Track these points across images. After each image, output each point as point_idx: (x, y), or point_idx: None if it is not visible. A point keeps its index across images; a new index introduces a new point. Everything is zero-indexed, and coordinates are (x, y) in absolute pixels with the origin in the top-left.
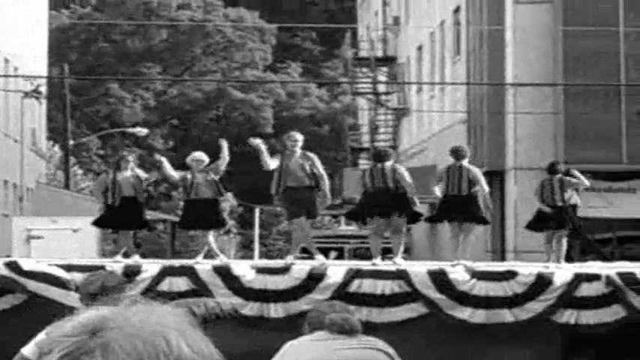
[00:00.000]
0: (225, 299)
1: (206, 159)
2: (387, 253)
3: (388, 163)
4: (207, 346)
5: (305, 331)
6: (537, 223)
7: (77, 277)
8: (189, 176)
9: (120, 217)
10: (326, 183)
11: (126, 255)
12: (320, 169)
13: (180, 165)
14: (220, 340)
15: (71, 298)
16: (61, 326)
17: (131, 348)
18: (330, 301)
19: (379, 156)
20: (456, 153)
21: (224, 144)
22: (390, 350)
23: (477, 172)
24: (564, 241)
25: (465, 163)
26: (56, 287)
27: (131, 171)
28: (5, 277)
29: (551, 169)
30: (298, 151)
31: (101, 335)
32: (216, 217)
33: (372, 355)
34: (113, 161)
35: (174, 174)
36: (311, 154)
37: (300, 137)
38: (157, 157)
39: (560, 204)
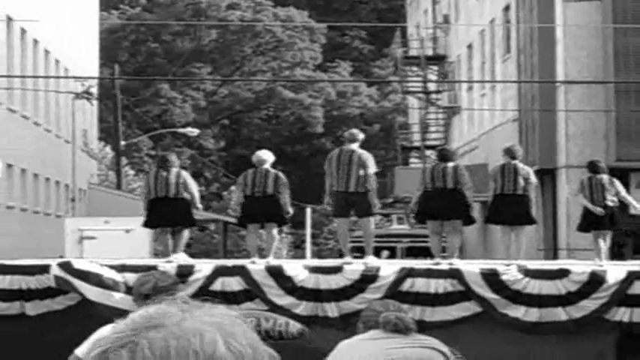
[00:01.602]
0: (294, 322)
1: (270, 156)
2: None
3: (451, 163)
4: (255, 349)
5: (359, 330)
6: (586, 224)
7: (129, 277)
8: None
9: (166, 216)
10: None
11: (163, 255)
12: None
13: (232, 164)
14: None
15: (120, 300)
16: (112, 327)
17: (161, 346)
18: (383, 300)
19: (445, 156)
20: (510, 152)
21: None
22: (445, 349)
23: (530, 172)
24: (609, 240)
25: (519, 162)
26: (105, 289)
27: (176, 173)
28: (59, 278)
29: (595, 168)
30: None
31: (139, 334)
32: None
33: (428, 353)
34: (156, 160)
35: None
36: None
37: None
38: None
39: (610, 203)
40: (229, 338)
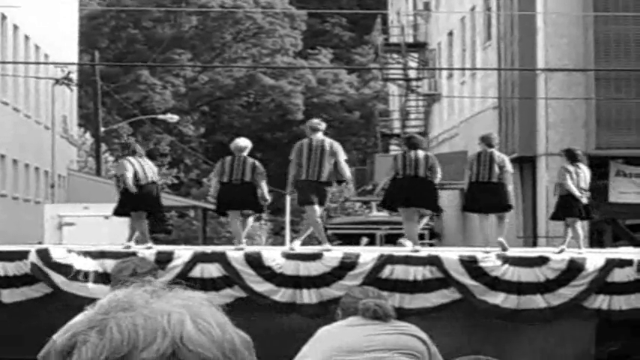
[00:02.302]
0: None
1: (248, 144)
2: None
3: (422, 152)
4: (224, 329)
5: (338, 316)
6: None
7: (109, 263)
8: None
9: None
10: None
11: (137, 242)
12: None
13: (211, 150)
14: (253, 326)
15: (93, 289)
16: (83, 313)
17: (129, 326)
18: (362, 287)
19: (415, 144)
20: (486, 140)
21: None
22: (424, 335)
23: (505, 159)
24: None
25: (495, 150)
26: (76, 281)
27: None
28: (35, 266)
29: (575, 157)
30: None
31: (108, 316)
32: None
33: (406, 340)
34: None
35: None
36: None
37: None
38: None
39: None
40: (198, 319)
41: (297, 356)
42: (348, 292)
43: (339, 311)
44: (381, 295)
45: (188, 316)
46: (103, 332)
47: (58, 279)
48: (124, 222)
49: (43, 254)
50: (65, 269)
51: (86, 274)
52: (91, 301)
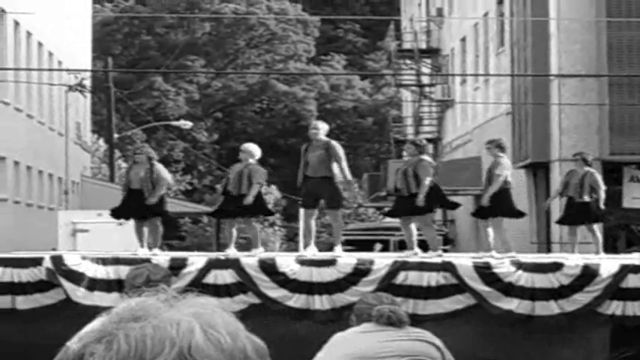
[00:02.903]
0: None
1: (257, 150)
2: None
3: (421, 157)
4: (236, 338)
5: (352, 323)
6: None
7: (122, 270)
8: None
9: (130, 209)
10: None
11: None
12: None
13: (225, 157)
14: (266, 332)
15: (103, 298)
16: (97, 320)
17: (137, 336)
18: (376, 293)
19: (418, 148)
20: (500, 146)
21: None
22: (438, 342)
23: (498, 165)
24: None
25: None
26: (91, 292)
27: (146, 166)
28: (51, 271)
29: (587, 162)
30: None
31: (119, 326)
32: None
33: (420, 346)
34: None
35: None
36: (333, 143)
37: (316, 124)
38: None
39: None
40: (208, 328)
41: None
42: (362, 298)
43: (353, 317)
44: (395, 302)
45: (198, 325)
46: (111, 343)
47: (70, 287)
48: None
49: (57, 261)
50: (77, 277)
51: (99, 282)
52: (104, 309)
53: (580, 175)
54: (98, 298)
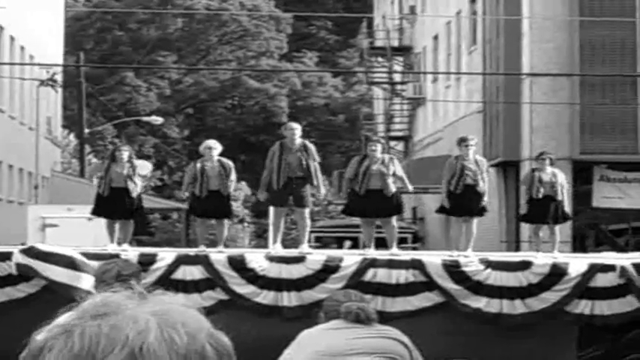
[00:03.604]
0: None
1: (219, 147)
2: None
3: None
4: (194, 338)
5: (320, 320)
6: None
7: (92, 265)
8: (198, 165)
9: (110, 207)
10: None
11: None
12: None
13: (196, 153)
14: (234, 328)
15: (85, 281)
16: (67, 314)
17: (92, 335)
18: (345, 290)
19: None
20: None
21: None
22: (406, 339)
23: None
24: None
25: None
26: (70, 270)
27: (127, 163)
28: (21, 265)
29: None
30: (297, 141)
31: (81, 322)
32: (223, 208)
33: (388, 344)
34: (109, 152)
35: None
36: (310, 145)
37: (297, 127)
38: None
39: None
40: (166, 327)
41: (279, 359)
42: (331, 295)
43: (322, 314)
44: (364, 299)
45: (156, 324)
46: (68, 339)
47: (50, 270)
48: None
49: (29, 251)
50: (56, 259)
51: (78, 265)
52: (85, 294)
53: (549, 175)
54: (78, 279)
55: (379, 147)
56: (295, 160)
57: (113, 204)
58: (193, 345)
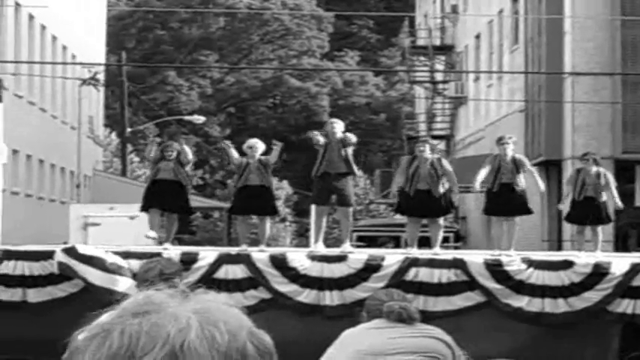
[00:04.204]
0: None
1: (262, 146)
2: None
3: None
4: (235, 337)
5: (363, 319)
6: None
7: (134, 264)
8: (244, 161)
9: (160, 199)
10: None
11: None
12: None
13: (237, 152)
14: (276, 327)
15: (124, 285)
16: (108, 313)
17: (132, 333)
18: (388, 289)
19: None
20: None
21: (276, 147)
22: (448, 338)
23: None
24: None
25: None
26: (110, 274)
27: (175, 158)
28: (63, 264)
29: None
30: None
31: (120, 320)
32: (267, 204)
33: (431, 343)
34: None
35: (236, 157)
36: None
37: (337, 120)
38: (224, 143)
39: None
40: (207, 325)
41: (321, 358)
42: (373, 294)
43: (364, 313)
44: (406, 298)
45: (197, 322)
46: (105, 338)
47: (90, 272)
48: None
49: (70, 251)
50: (96, 262)
51: (118, 269)
52: (123, 297)
53: (594, 175)
54: (118, 285)
55: (427, 147)
56: (336, 155)
57: (162, 196)
58: (234, 343)
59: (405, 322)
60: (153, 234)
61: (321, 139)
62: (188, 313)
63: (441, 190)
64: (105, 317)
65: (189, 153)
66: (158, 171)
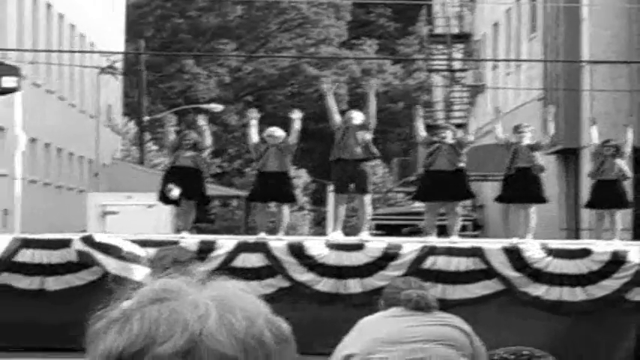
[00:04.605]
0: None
1: (280, 133)
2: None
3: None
4: (253, 323)
5: (380, 307)
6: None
7: (152, 252)
8: (262, 149)
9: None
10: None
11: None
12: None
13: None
14: (295, 315)
15: (142, 274)
16: (126, 301)
17: (151, 319)
18: (405, 277)
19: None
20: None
21: (296, 116)
22: (466, 327)
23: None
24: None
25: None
26: (127, 263)
27: (193, 146)
28: (81, 252)
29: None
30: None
31: (138, 306)
32: (286, 191)
33: (448, 331)
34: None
35: (255, 137)
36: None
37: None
38: (251, 113)
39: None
40: (225, 312)
41: (338, 346)
42: (391, 282)
43: (382, 301)
44: (423, 286)
45: (215, 308)
46: (125, 324)
47: (107, 261)
48: (166, 211)
49: (88, 240)
50: (114, 251)
51: (135, 258)
52: (137, 285)
53: (610, 161)
54: (135, 274)
55: (449, 133)
56: (353, 140)
57: (179, 183)
58: (252, 329)
59: (423, 310)
60: (174, 190)
61: (327, 87)
62: (206, 300)
63: (461, 166)
64: (123, 304)
65: (208, 137)
66: (176, 158)
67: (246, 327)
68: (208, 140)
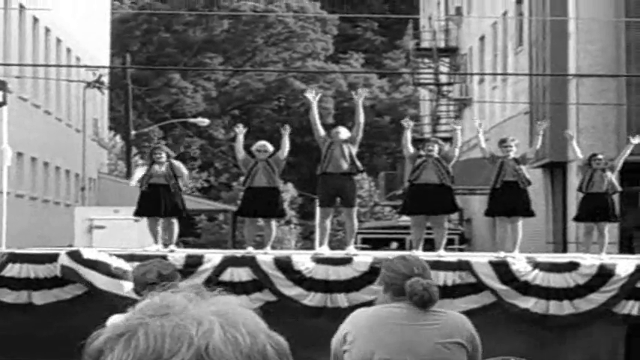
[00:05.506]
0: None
1: (270, 148)
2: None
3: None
4: (256, 338)
5: (380, 296)
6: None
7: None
8: (251, 163)
9: (153, 205)
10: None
11: (165, 245)
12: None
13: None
14: (282, 330)
15: (129, 290)
16: (123, 316)
17: (156, 335)
18: (404, 257)
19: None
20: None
21: (285, 131)
22: (469, 323)
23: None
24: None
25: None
26: (114, 279)
27: (165, 163)
28: (66, 267)
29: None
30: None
31: (142, 322)
32: (275, 206)
33: (451, 330)
34: (149, 152)
35: (242, 152)
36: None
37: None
38: (238, 128)
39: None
40: (228, 327)
41: (355, 342)
42: (389, 264)
43: (383, 286)
44: (426, 268)
45: (218, 324)
46: (130, 339)
47: (94, 277)
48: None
49: (75, 255)
50: (101, 267)
51: (122, 274)
52: (130, 302)
53: (599, 176)
54: (122, 289)
55: (436, 147)
56: (339, 153)
57: (155, 201)
58: (256, 345)
59: (427, 305)
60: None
61: (311, 96)
62: (209, 316)
63: (448, 183)
64: (121, 319)
65: (183, 169)
66: (150, 177)
67: (251, 342)
68: (184, 173)
